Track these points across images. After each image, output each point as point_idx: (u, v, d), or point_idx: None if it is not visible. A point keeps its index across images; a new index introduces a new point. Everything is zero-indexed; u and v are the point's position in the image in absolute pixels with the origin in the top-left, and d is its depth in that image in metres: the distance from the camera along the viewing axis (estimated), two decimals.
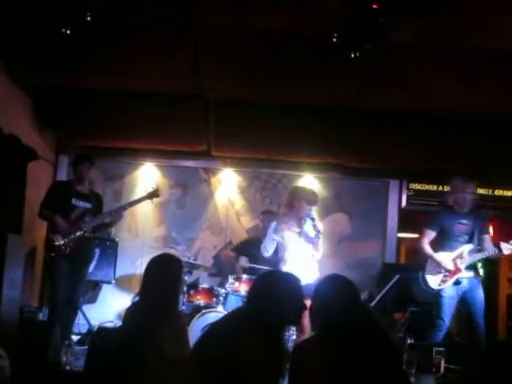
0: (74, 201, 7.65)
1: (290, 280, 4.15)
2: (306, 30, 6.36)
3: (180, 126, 8.87)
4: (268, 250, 7.54)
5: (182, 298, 8.26)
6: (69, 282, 7.47)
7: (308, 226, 7.42)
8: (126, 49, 7.03)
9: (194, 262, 8.93)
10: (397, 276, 7.86)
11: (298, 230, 7.44)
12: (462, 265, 7.41)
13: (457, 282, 7.44)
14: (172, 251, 8.45)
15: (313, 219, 7.40)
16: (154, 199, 8.22)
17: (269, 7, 6.07)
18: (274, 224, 7.61)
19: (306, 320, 7.13)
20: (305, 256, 7.40)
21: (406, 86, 7.42)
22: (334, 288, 3.83)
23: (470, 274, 7.45)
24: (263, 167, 10.21)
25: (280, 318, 3.90)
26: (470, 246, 7.48)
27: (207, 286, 8.62)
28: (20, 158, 7.96)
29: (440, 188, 9.91)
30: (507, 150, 8.67)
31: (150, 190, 8.16)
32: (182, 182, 10.36)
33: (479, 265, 7.57)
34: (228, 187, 10.35)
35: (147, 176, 10.16)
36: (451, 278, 7.44)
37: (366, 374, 3.40)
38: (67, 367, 6.30)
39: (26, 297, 8.87)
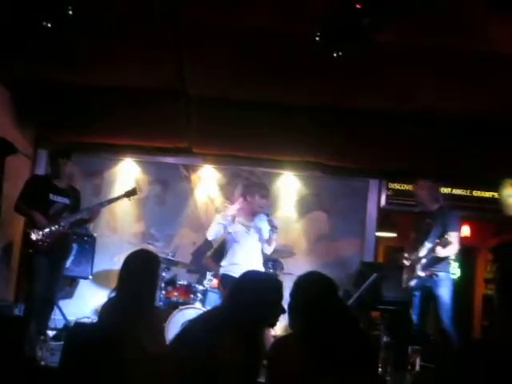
0: (52, 196, 7.59)
1: (269, 281, 4.16)
2: (288, 29, 6.36)
3: (161, 123, 8.86)
4: (211, 233, 7.69)
5: (160, 295, 8.26)
6: (46, 277, 7.43)
7: (263, 222, 7.44)
8: (108, 45, 6.99)
9: (172, 259, 8.92)
10: (374, 274, 7.89)
11: (249, 223, 7.45)
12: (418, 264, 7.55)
13: (420, 280, 7.54)
14: (150, 247, 8.43)
15: (267, 214, 7.49)
16: (132, 198, 8.20)
17: (252, 6, 6.07)
18: (225, 211, 7.73)
19: None
20: (251, 251, 7.41)
21: (387, 87, 7.45)
22: (313, 285, 3.83)
23: (422, 273, 7.53)
24: (243, 164, 10.21)
25: (257, 319, 3.90)
26: (428, 245, 7.55)
27: (185, 283, 8.62)
28: None
29: None
30: (486, 151, 8.73)
31: (129, 188, 8.17)
32: (161, 179, 10.34)
33: (453, 263, 7.61)
34: (208, 184, 10.34)
35: (127, 172, 10.14)
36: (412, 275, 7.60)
37: (341, 372, 3.41)
38: (43, 362, 6.28)
39: (1, 291, 8.85)
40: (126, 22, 6.57)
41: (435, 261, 7.49)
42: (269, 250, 7.49)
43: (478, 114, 8.00)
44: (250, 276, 4.27)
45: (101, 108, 8.56)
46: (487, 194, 10.02)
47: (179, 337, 3.93)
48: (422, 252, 7.53)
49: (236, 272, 7.18)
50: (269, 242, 7.41)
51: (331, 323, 3.56)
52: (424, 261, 7.49)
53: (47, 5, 5.70)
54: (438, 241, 7.29)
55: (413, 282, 7.53)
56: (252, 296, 3.88)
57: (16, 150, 8.35)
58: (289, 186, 10.35)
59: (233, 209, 7.61)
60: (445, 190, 9.90)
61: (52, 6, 5.72)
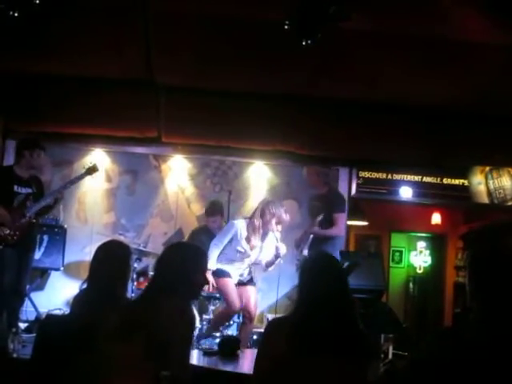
0: (16, 187, 7.48)
1: (185, 250, 4.20)
2: (257, 16, 6.35)
3: (130, 112, 8.80)
4: (223, 240, 7.44)
5: (132, 286, 8.23)
6: (14, 269, 7.36)
7: (270, 242, 7.39)
8: (74, 33, 6.94)
9: (143, 249, 8.89)
10: (346, 263, 7.91)
11: (258, 243, 7.39)
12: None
13: None
14: (121, 238, 8.40)
15: (277, 239, 7.33)
16: (94, 174, 8.04)
17: None
18: (238, 225, 7.45)
19: (253, 308, 7.29)
20: (247, 265, 7.41)
21: (357, 75, 7.46)
22: (322, 268, 3.81)
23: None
24: (214, 154, 10.19)
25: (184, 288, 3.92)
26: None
27: None
28: None
29: (389, 176, 10.02)
30: (456, 138, 8.79)
31: (89, 165, 8.01)
32: (131, 169, 10.29)
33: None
34: (178, 174, 10.32)
35: (97, 162, 10.07)
36: None
37: (326, 358, 3.42)
38: (14, 355, 6.25)
39: None
40: (91, 9, 6.52)
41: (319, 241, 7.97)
42: (267, 271, 7.49)
43: (447, 101, 8.05)
44: (169, 248, 4.36)
45: (69, 97, 8.49)
46: (457, 182, 10.10)
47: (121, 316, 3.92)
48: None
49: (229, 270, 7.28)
50: (270, 265, 7.38)
51: (324, 308, 3.56)
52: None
53: None
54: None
55: None
56: (178, 266, 3.95)
57: None
58: (259, 176, 10.35)
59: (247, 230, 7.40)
60: (415, 178, 10.00)
61: None
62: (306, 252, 7.79)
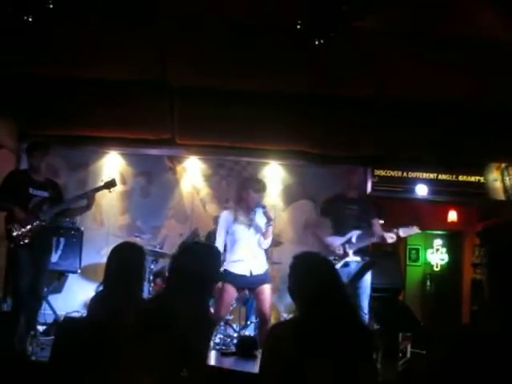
0: (31, 190, 7.52)
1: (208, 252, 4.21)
2: (270, 17, 6.35)
3: (144, 114, 8.82)
4: (221, 233, 7.44)
5: (148, 287, 8.25)
6: (30, 271, 7.39)
7: (259, 216, 7.38)
8: (88, 36, 6.96)
9: (159, 251, 8.91)
10: (363, 262, 7.90)
11: (248, 221, 7.40)
12: (349, 250, 7.73)
13: (345, 265, 7.71)
14: (137, 240, 8.42)
15: (263, 207, 7.33)
16: (112, 189, 8.06)
17: None
18: (223, 215, 7.54)
19: (268, 310, 7.27)
20: (255, 248, 7.37)
21: (369, 73, 7.45)
22: (314, 268, 3.80)
23: (357, 258, 7.77)
24: (228, 155, 10.20)
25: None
26: (358, 232, 7.81)
27: None
28: None
29: (405, 174, 9.99)
30: (471, 136, 8.75)
31: (108, 179, 8.03)
32: (146, 171, 10.34)
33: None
34: (193, 175, 10.34)
35: (111, 165, 10.12)
36: (338, 262, 7.70)
37: (334, 360, 3.41)
38: (33, 358, 6.27)
39: None
40: (108, 12, 6.54)
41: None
42: (265, 244, 7.42)
43: (462, 98, 8.02)
44: (184, 249, 4.35)
45: (83, 100, 8.51)
46: (473, 179, 10.05)
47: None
48: (353, 238, 7.88)
49: (238, 269, 7.21)
50: (265, 235, 7.34)
51: (329, 308, 3.56)
52: (355, 247, 7.84)
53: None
54: None
55: (337, 266, 7.76)
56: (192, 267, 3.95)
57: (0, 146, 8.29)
58: (274, 176, 10.37)
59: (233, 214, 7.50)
60: (431, 176, 9.95)
61: (33, 0, 5.69)
62: (351, 252, 7.75)
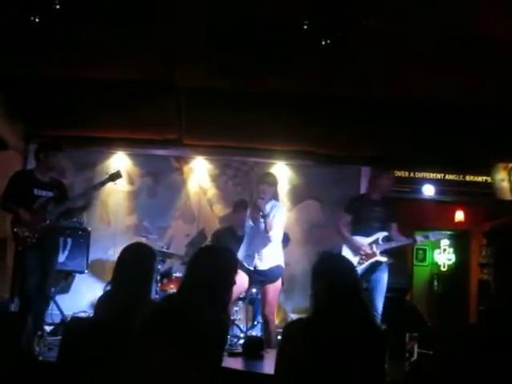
0: (35, 191, 7.52)
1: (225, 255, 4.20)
2: (276, 17, 6.35)
3: (151, 115, 8.83)
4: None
5: (155, 288, 8.25)
6: (38, 272, 7.40)
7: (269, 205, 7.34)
8: (95, 37, 6.97)
9: (166, 251, 8.92)
10: (370, 261, 7.91)
11: (260, 214, 7.27)
12: (377, 250, 7.78)
13: (372, 265, 7.81)
14: (144, 240, 8.43)
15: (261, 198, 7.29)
16: (117, 180, 8.03)
17: None
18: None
19: (272, 310, 7.26)
20: (262, 241, 7.33)
21: (376, 73, 7.44)
22: (340, 268, 3.81)
23: (385, 258, 7.81)
24: (235, 155, 10.21)
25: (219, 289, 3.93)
26: (384, 233, 7.88)
27: (180, 275, 8.60)
28: None
29: (412, 174, 9.99)
30: (479, 135, 8.74)
31: (113, 171, 8.01)
32: (153, 171, 10.34)
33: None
34: (200, 175, 10.34)
35: (118, 165, 10.11)
36: (366, 261, 7.77)
37: (344, 360, 3.41)
38: (40, 358, 6.28)
39: None
40: (113, 12, 6.54)
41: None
42: (274, 236, 7.36)
43: (469, 98, 8.01)
44: (201, 253, 4.31)
45: (90, 101, 8.52)
46: (480, 179, 10.05)
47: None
48: (380, 239, 7.94)
49: (250, 264, 7.22)
50: (267, 229, 7.30)
51: (341, 309, 3.56)
52: (382, 248, 7.88)
53: (35, 0, 5.67)
54: None
55: (364, 266, 7.85)
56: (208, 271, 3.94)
57: (6, 146, 8.30)
58: (281, 176, 10.35)
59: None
60: (437, 176, 9.96)
61: (39, 1, 5.70)
62: (377, 251, 7.80)
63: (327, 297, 3.64)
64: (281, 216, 7.39)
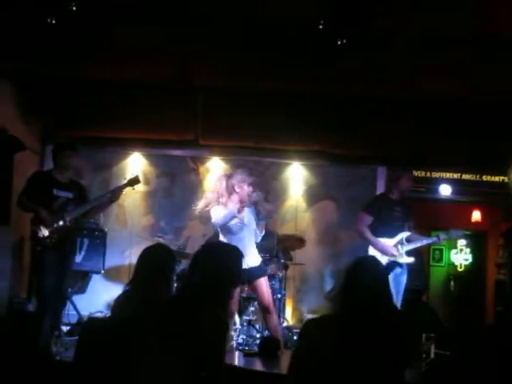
0: (55, 191, 7.53)
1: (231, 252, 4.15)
2: (292, 17, 6.35)
3: (168, 115, 8.88)
4: (220, 219, 7.21)
5: (172, 288, 8.26)
6: (55, 272, 7.41)
7: (251, 211, 7.29)
8: (113, 39, 7.00)
9: (182, 251, 8.92)
10: (386, 263, 7.89)
11: (241, 215, 7.20)
12: (403, 250, 7.79)
13: (399, 266, 7.80)
14: (160, 240, 8.43)
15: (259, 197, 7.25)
16: (135, 186, 8.03)
17: None
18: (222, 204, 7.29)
19: (268, 299, 7.24)
20: (247, 243, 7.28)
21: (390, 73, 7.43)
22: (373, 272, 3.80)
23: (410, 259, 7.83)
24: (251, 155, 10.20)
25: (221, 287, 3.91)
26: (407, 233, 7.88)
27: None
28: (7, 149, 7.92)
29: (428, 174, 9.96)
30: (496, 135, 8.71)
31: (131, 176, 8.01)
32: (169, 171, 10.35)
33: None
34: (216, 176, 10.34)
35: (135, 165, 10.13)
36: (394, 261, 7.79)
37: (366, 360, 3.40)
38: (57, 358, 6.30)
39: (14, 288, 8.88)
40: (132, 14, 6.57)
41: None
42: (258, 238, 7.36)
43: (485, 99, 7.99)
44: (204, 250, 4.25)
45: (107, 102, 8.58)
46: (497, 179, 10.00)
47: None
48: (405, 240, 7.92)
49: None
50: (259, 229, 7.28)
51: (369, 310, 3.55)
52: (408, 248, 7.89)
53: (51, 1, 5.70)
54: None
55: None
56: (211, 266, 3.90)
57: (25, 147, 8.34)
58: (296, 176, 10.34)
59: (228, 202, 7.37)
60: (454, 176, 9.93)
61: (56, 2, 5.73)
62: (403, 252, 7.82)
63: (358, 298, 3.63)
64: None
